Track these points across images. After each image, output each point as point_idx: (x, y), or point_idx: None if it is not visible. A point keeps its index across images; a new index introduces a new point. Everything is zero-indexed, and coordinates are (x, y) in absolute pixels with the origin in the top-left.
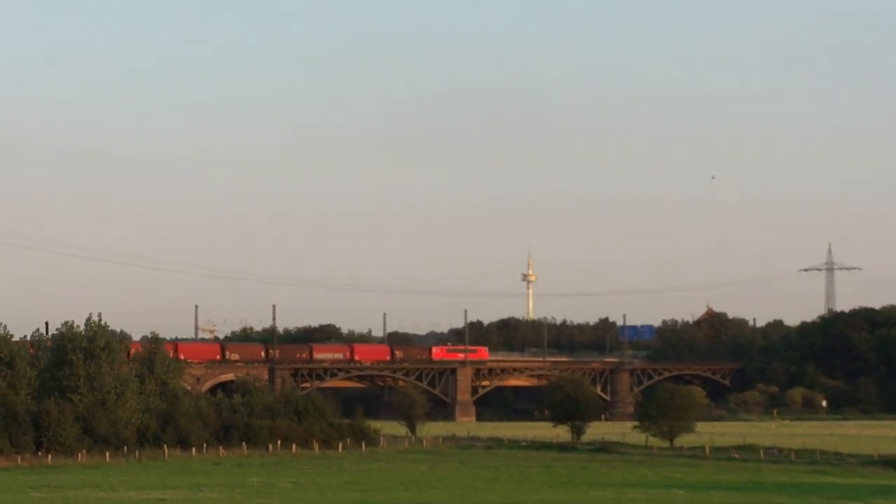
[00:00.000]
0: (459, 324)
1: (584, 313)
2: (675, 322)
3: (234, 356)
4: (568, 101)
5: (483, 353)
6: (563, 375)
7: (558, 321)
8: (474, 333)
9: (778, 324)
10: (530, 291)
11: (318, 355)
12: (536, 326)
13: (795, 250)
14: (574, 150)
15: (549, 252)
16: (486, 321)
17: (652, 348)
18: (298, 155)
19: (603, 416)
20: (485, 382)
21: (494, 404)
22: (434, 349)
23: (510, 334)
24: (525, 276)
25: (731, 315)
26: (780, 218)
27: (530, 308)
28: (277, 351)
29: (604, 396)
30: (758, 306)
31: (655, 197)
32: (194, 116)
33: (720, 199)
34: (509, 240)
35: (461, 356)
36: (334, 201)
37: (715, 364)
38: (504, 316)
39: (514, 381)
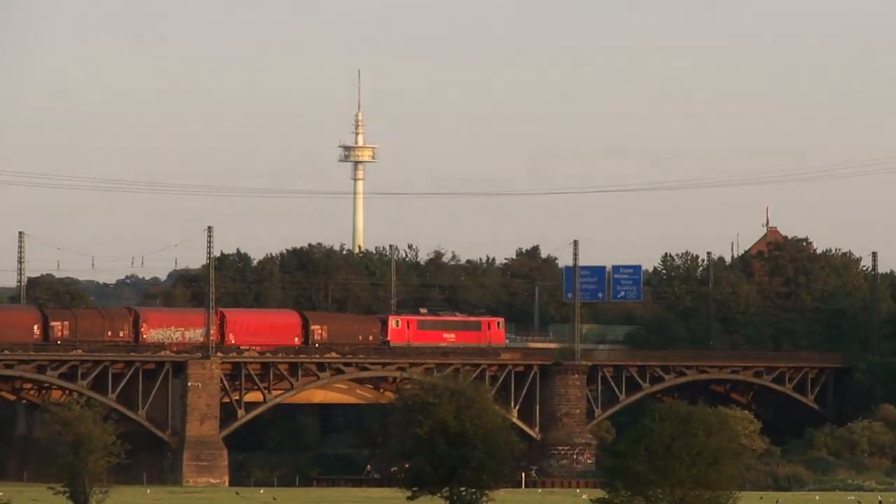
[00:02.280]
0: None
1: (481, 240)
2: (691, 258)
3: None
4: None
5: (234, 323)
6: (433, 382)
7: (420, 256)
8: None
9: None
10: (359, 182)
11: None
12: (367, 265)
13: None
14: None
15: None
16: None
17: (639, 320)
18: None
19: (524, 475)
20: (252, 396)
21: (277, 443)
22: (144, 314)
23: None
24: (348, 151)
25: (821, 246)
26: None
27: (358, 223)
28: None
29: (527, 430)
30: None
31: None
32: None
33: None
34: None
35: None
36: None
37: (785, 357)
38: (311, 241)
39: (319, 395)
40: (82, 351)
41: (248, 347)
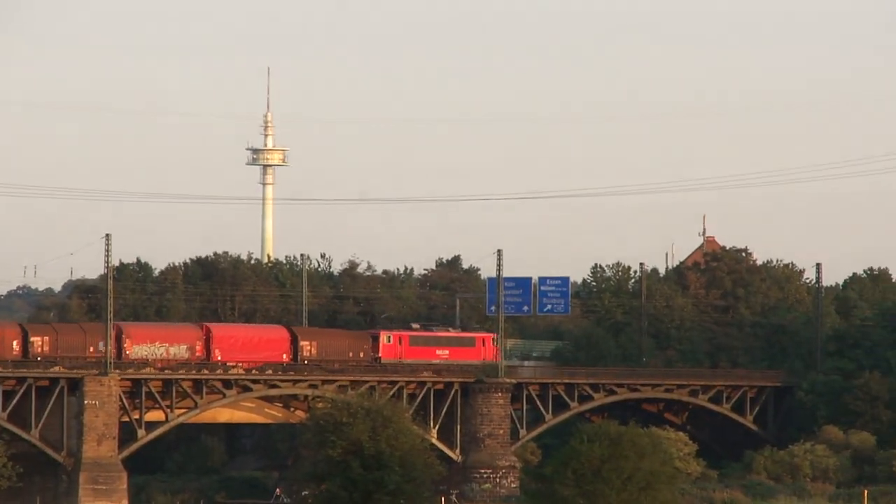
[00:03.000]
0: None
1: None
2: (623, 269)
3: None
4: None
5: (220, 339)
6: (347, 400)
7: (333, 266)
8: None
9: (875, 277)
10: (268, 186)
11: None
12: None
13: None
14: None
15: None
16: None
17: (567, 334)
18: None
19: (444, 499)
20: (154, 415)
21: (180, 466)
22: (127, 329)
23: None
24: (256, 154)
25: (760, 256)
26: None
27: (267, 231)
28: None
29: (447, 451)
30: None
31: None
32: None
33: None
34: None
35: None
36: None
37: (722, 374)
38: (216, 249)
39: (225, 414)
40: None
41: (145, 366)
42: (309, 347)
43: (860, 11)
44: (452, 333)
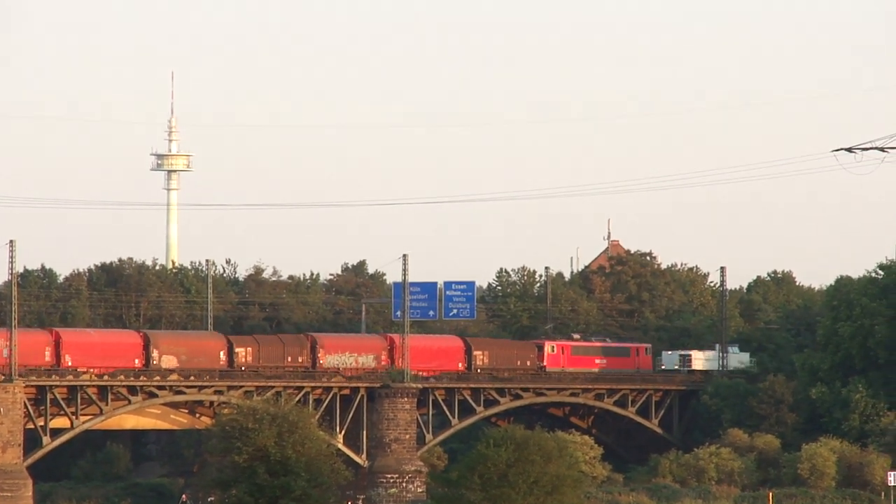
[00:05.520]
0: None
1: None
2: (528, 273)
3: None
4: None
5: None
6: (253, 406)
7: (238, 272)
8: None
9: (779, 280)
10: (172, 192)
11: None
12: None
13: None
14: None
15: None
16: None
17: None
18: None
19: None
20: (59, 422)
21: (85, 473)
22: (321, 340)
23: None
24: (161, 159)
25: (665, 260)
26: None
27: (172, 236)
28: None
29: (353, 457)
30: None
31: None
32: None
33: None
34: None
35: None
36: None
37: (628, 378)
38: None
39: (131, 421)
40: None
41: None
42: (481, 357)
43: (742, 10)
44: (610, 344)
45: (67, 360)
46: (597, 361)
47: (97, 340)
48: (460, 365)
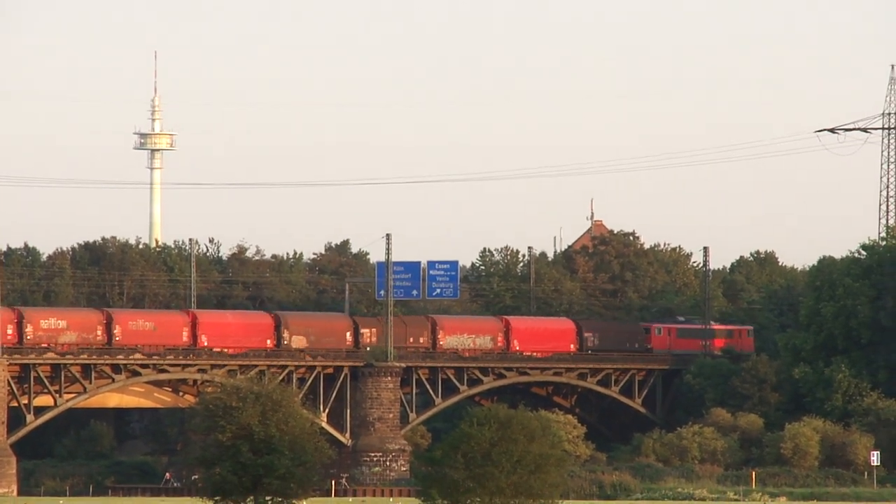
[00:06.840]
0: None
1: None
2: (511, 253)
3: None
4: None
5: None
6: (237, 384)
7: (222, 251)
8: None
9: (762, 260)
10: (156, 171)
11: None
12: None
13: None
14: None
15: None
16: None
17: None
18: None
19: (334, 483)
20: (43, 400)
21: (69, 451)
22: (441, 322)
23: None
24: (144, 138)
25: (648, 240)
26: None
27: (155, 215)
28: None
29: (337, 435)
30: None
31: None
32: None
33: None
34: None
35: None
36: None
37: (611, 357)
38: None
39: (114, 399)
40: None
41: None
42: (592, 338)
43: None
44: (714, 326)
45: (203, 341)
46: (701, 343)
47: (231, 321)
48: (572, 346)
